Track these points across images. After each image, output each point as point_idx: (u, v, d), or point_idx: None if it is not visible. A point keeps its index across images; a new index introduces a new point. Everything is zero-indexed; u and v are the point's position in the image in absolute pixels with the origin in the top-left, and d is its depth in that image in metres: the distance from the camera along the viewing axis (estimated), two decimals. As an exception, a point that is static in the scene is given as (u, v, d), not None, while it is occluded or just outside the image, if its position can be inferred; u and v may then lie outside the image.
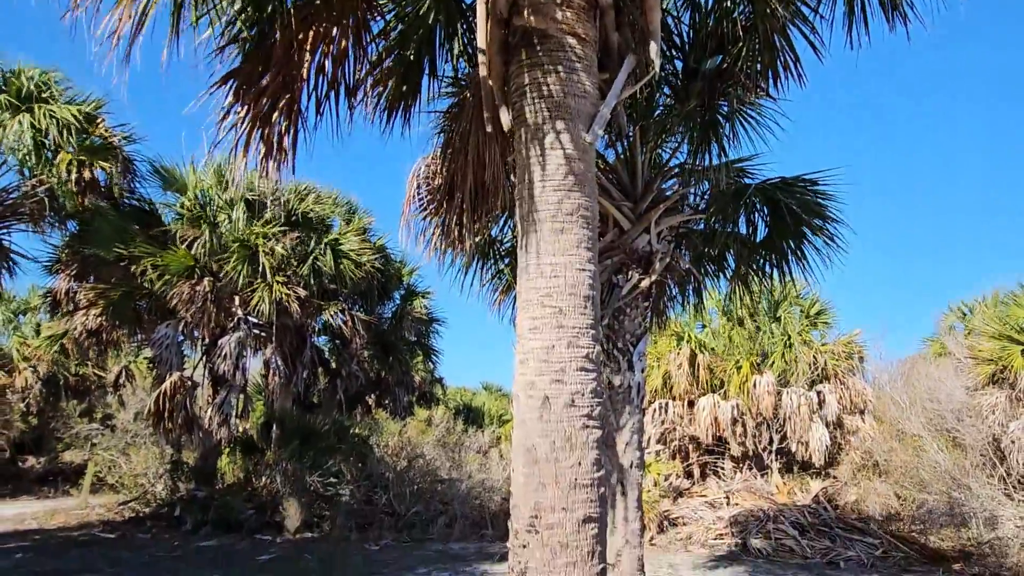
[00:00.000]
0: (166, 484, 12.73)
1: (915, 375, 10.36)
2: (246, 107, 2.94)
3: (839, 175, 4.54)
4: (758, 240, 4.84)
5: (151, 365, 12.70)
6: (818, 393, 12.64)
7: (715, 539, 10.33)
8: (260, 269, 10.08)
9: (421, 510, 12.00)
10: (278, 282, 10.23)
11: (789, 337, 13.26)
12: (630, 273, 4.31)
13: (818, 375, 12.95)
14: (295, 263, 10.88)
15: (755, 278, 5.09)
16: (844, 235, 4.63)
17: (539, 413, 2.39)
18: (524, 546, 2.40)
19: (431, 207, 4.21)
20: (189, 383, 10.71)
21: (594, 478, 2.42)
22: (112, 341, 11.29)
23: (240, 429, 13.01)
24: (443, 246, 4.25)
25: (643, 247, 4.39)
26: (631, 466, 4.14)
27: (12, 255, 10.49)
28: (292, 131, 3.10)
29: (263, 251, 10.08)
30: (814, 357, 12.80)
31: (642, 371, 4.33)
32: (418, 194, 4.18)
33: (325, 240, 11.26)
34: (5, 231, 10.14)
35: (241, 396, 11.33)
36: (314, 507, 11.71)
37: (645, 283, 4.25)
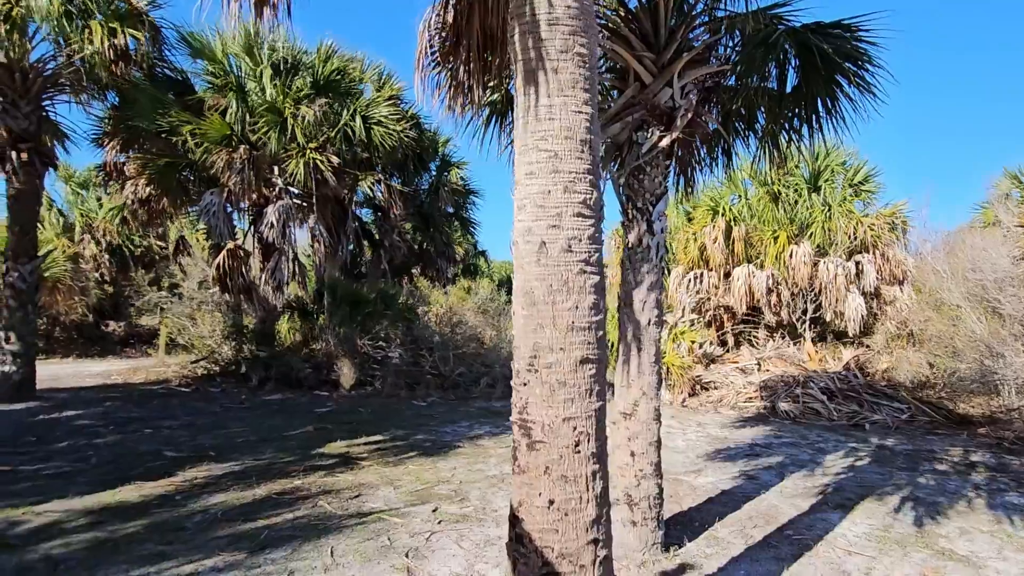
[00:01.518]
0: (231, 345, 13.80)
1: (959, 245, 9.91)
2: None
3: (881, 18, 4.01)
4: (787, 91, 4.45)
5: (207, 236, 13.30)
6: (856, 263, 12.31)
7: (745, 402, 10.65)
8: (291, 135, 10.08)
9: (465, 371, 12.71)
10: (311, 149, 10.26)
11: (830, 207, 12.72)
12: (651, 130, 4.11)
13: (858, 245, 12.53)
14: (327, 130, 10.84)
15: (786, 136, 4.75)
16: (883, 85, 4.20)
17: (536, 257, 2.42)
18: (525, 384, 2.53)
19: (444, 61, 4.04)
20: (241, 251, 11.22)
21: (591, 321, 2.48)
22: (163, 210, 11.74)
23: (294, 296, 13.76)
24: (458, 102, 4.12)
25: (665, 102, 4.12)
26: (648, 323, 4.21)
27: (61, 128, 10.84)
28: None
29: (290, 115, 10.01)
30: (854, 227, 12.31)
31: (661, 231, 4.25)
32: (430, 47, 4.00)
33: (354, 106, 11.06)
34: (49, 103, 10.40)
35: (292, 264, 11.82)
36: (366, 367, 12.54)
37: (666, 141, 4.05)
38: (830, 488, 6.02)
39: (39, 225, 17.89)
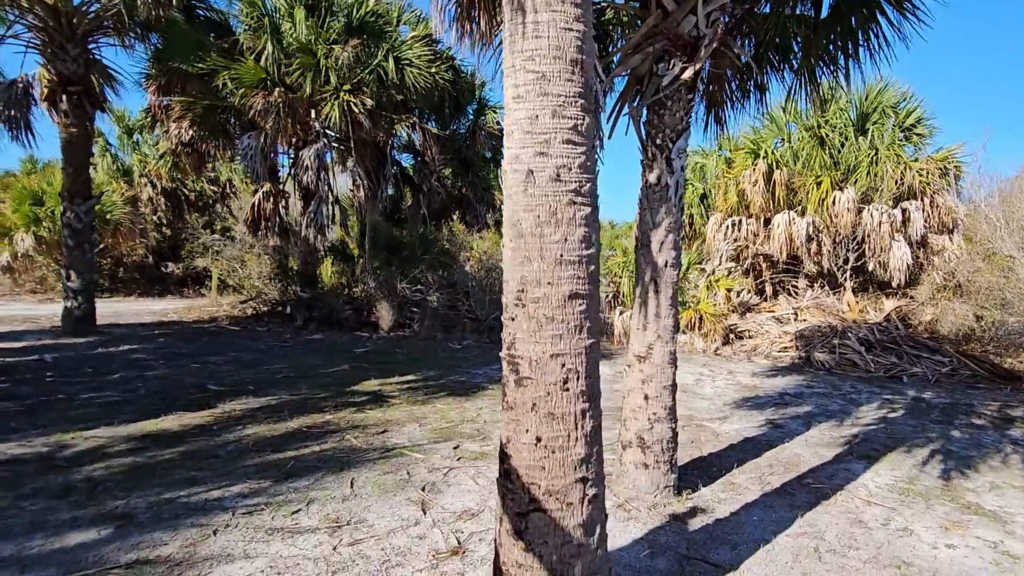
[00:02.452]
0: (277, 287, 14.24)
1: (1016, 193, 9.14)
2: None
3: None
4: (823, 17, 4.03)
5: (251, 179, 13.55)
6: (903, 211, 11.58)
7: (779, 352, 10.39)
8: (325, 77, 9.98)
9: (500, 315, 12.78)
10: (345, 91, 10.16)
11: (877, 151, 11.90)
12: (673, 62, 3.83)
13: (905, 192, 11.76)
14: (360, 72, 10.69)
15: (823, 68, 4.33)
16: (928, 6, 3.73)
17: (523, 187, 2.30)
18: (512, 319, 2.47)
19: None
20: (276, 195, 11.37)
21: (581, 255, 2.37)
22: (206, 154, 11.96)
23: (338, 239, 13.99)
24: (464, 31, 3.92)
25: (689, 31, 3.80)
26: (666, 265, 4.05)
27: (109, 71, 11.07)
28: None
29: (323, 56, 9.88)
30: (902, 172, 11.50)
31: (681, 169, 4.02)
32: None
33: (387, 47, 10.81)
34: (95, 46, 10.59)
35: (332, 207, 11.95)
36: (404, 310, 12.76)
37: (688, 73, 3.76)
38: (858, 439, 5.83)
39: (93, 168, 18.67)
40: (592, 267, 2.42)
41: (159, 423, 5.74)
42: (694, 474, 4.69)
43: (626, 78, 4.32)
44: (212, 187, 20.67)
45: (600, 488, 2.55)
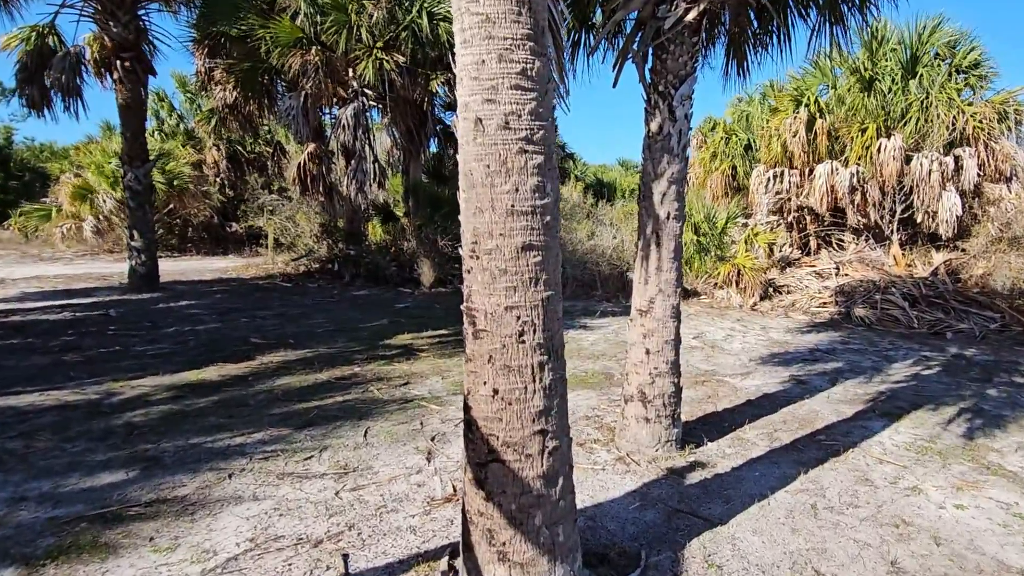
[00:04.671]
0: (326, 244, 14.63)
1: None
2: None
3: None
4: None
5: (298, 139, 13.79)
6: (956, 158, 10.66)
7: (818, 307, 9.97)
8: (358, 35, 9.93)
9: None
10: (378, 49, 10.09)
11: (928, 95, 10.95)
12: (676, 3, 3.60)
13: (957, 137, 10.84)
14: (394, 28, 10.56)
15: (852, 9, 3.94)
16: None
17: (473, 135, 2.24)
18: (468, 271, 2.46)
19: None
20: (323, 154, 11.56)
21: (534, 206, 2.31)
22: (250, 115, 12.22)
23: (380, 199, 14.16)
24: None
25: None
26: (668, 217, 3.90)
27: (160, 36, 11.42)
28: None
29: (354, 13, 9.81)
30: (954, 117, 10.57)
31: (685, 117, 3.80)
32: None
33: (420, 3, 10.60)
34: (143, 12, 10.91)
35: (371, 166, 12.05)
36: (445, 266, 12.91)
37: (692, 14, 3.51)
38: (883, 396, 5.57)
39: (163, 132, 19.41)
40: (548, 218, 2.37)
41: (200, 373, 6.08)
42: (704, 429, 4.61)
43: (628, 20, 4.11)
44: (267, 148, 21.21)
45: (562, 440, 2.55)
